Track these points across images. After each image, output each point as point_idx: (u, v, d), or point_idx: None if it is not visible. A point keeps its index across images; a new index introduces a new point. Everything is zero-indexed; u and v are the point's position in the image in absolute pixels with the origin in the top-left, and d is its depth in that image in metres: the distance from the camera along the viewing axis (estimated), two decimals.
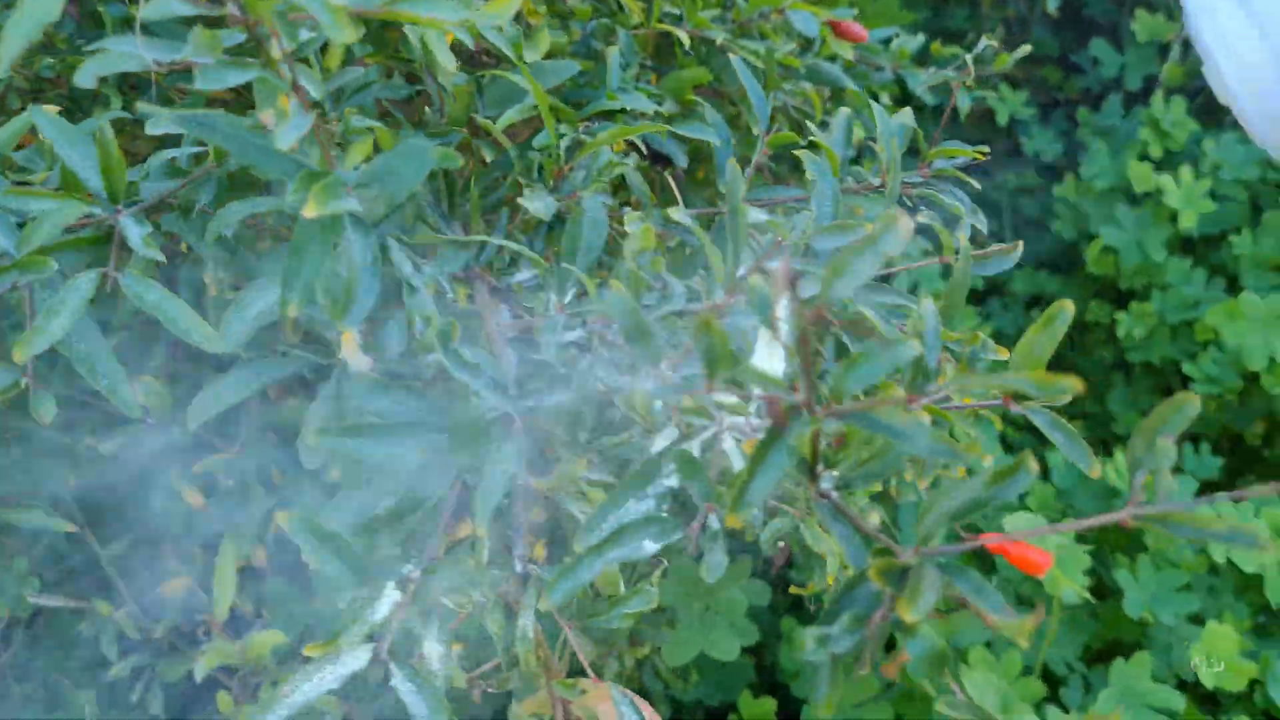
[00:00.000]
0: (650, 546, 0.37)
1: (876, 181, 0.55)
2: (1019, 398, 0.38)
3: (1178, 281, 1.23)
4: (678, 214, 0.47)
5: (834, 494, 0.35)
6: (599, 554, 0.37)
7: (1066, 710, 0.89)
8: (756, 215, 0.46)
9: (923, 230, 0.58)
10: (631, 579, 0.77)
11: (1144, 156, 1.30)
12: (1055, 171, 1.48)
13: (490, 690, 0.54)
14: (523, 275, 0.55)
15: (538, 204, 0.49)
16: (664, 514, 0.37)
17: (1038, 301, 1.37)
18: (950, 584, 0.30)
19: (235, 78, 0.36)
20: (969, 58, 0.68)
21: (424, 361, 0.53)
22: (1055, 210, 1.36)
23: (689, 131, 0.56)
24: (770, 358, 0.38)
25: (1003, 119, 1.41)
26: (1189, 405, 0.30)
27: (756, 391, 0.31)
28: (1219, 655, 0.87)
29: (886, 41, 0.94)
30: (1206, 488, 1.10)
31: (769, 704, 0.90)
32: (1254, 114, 0.35)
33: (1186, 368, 1.16)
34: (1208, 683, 0.86)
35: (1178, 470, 1.14)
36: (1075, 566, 0.90)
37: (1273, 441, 1.20)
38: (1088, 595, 0.89)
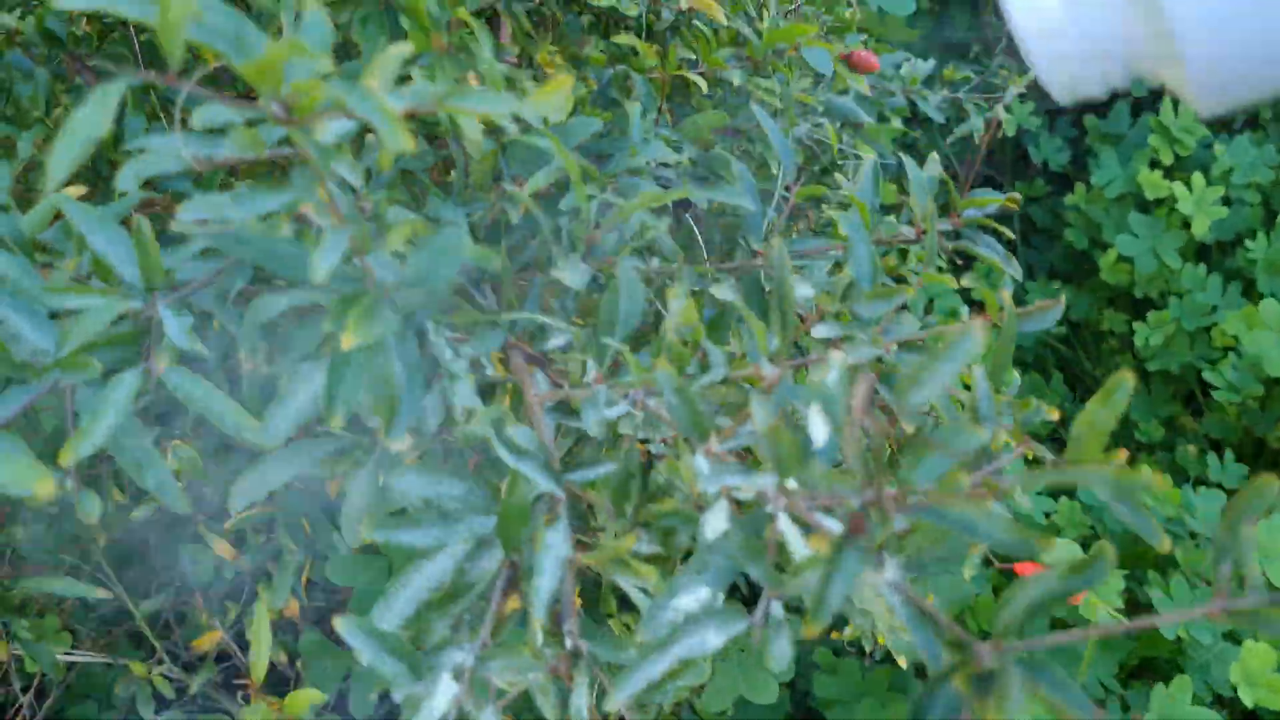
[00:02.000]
0: (714, 639, 0.36)
1: (909, 233, 0.54)
2: (1076, 461, 0.38)
3: (1194, 288, 1.23)
4: (720, 291, 0.46)
5: (904, 585, 0.34)
6: (663, 651, 0.36)
7: None
8: (803, 291, 0.46)
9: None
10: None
11: (1154, 163, 1.30)
12: (1064, 179, 1.48)
13: None
14: (557, 341, 0.54)
15: (570, 274, 0.48)
16: (722, 602, 0.37)
17: None
18: (1034, 683, 0.30)
19: (271, 203, 0.35)
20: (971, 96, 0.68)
21: (462, 433, 0.53)
22: (1066, 218, 1.36)
23: (720, 196, 0.56)
24: (821, 432, 0.37)
25: (1010, 130, 1.40)
26: (1270, 487, 0.30)
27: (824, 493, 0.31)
28: (1257, 673, 0.86)
29: (898, 67, 0.94)
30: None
31: None
32: (1039, 53, 0.35)
33: (1207, 374, 1.16)
34: (1247, 701, 0.85)
35: (1202, 482, 1.13)
36: (1109, 589, 0.90)
37: None
38: (1121, 617, 0.88)
